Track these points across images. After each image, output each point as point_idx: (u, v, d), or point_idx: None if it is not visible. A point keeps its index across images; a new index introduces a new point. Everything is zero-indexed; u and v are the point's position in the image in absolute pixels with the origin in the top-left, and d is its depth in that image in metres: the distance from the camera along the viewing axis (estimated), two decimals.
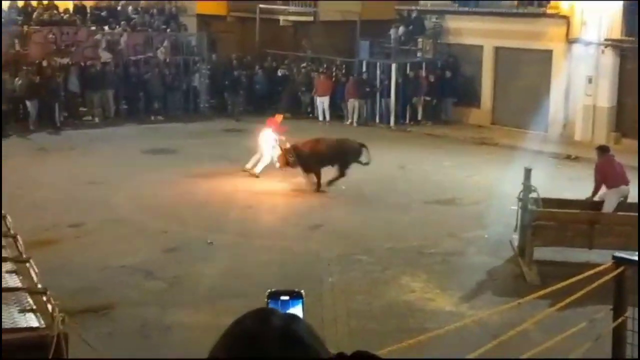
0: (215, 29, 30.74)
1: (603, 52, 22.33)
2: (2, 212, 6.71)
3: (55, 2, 27.02)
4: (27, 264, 5.53)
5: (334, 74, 27.24)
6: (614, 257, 7.64)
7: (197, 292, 11.02)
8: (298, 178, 17.19)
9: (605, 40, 22.20)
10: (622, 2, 21.69)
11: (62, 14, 26.57)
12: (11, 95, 23.15)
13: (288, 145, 17.13)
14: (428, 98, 25.97)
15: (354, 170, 18.62)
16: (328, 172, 16.88)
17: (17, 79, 23.38)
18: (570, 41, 23.21)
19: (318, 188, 16.81)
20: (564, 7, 23.30)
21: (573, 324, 8.19)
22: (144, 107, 25.88)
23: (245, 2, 30.65)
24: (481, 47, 25.71)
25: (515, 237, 12.90)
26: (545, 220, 12.18)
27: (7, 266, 5.42)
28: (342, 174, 16.94)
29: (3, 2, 25.70)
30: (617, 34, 21.85)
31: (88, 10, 27.66)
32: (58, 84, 23.70)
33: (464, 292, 11.28)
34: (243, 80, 27.10)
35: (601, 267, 8.08)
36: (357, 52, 27.22)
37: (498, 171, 18.37)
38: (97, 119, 24.78)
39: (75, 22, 26.26)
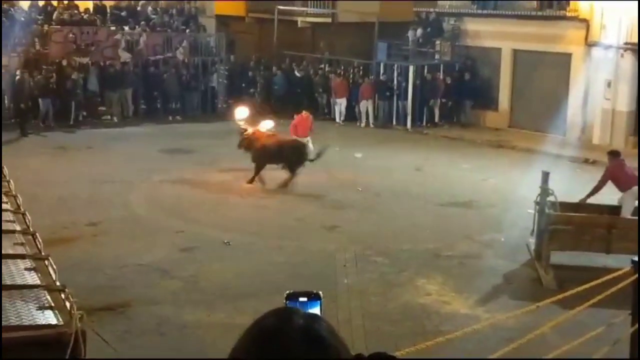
0: (234, 29, 30.82)
1: (622, 55, 22.19)
2: (22, 209, 6.77)
3: (76, 1, 27.24)
4: (46, 262, 5.57)
5: (351, 75, 27.24)
6: (633, 262, 7.61)
7: (213, 291, 11.05)
8: (313, 179, 17.21)
9: (625, 44, 22.07)
10: None
11: (82, 14, 26.77)
12: (29, 94, 23.34)
13: (249, 131, 17.55)
14: (445, 100, 25.94)
15: (370, 171, 18.67)
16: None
17: (34, 77, 23.57)
18: (589, 44, 23.08)
19: (251, 180, 17.12)
20: (584, 10, 23.17)
21: (591, 329, 8.16)
22: (162, 107, 26.03)
23: (263, 3, 30.71)
24: (499, 49, 25.62)
25: (532, 241, 12.84)
26: (562, 224, 12.11)
27: (26, 263, 5.46)
28: (291, 174, 17.04)
29: (23, 1, 25.93)
30: (636, 37, 21.71)
31: (108, 10, 27.87)
32: (74, 83, 23.86)
33: (480, 295, 11.24)
34: (259, 81, 27.15)
35: (619, 272, 8.05)
36: (374, 54, 27.20)
37: (515, 174, 18.31)
38: (115, 119, 24.94)
39: (95, 22, 26.45)
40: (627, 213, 12.69)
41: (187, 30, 27.95)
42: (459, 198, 16.65)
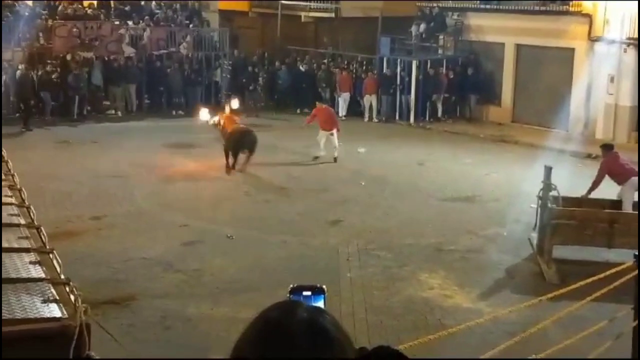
0: (237, 24, 30.84)
1: (625, 51, 22.18)
2: (26, 203, 6.80)
3: None
4: (50, 255, 5.59)
5: (354, 70, 27.26)
6: (635, 256, 7.64)
7: (216, 285, 11.09)
8: (316, 174, 17.25)
9: (628, 39, 22.05)
10: None
11: (86, 9, 26.81)
12: (33, 89, 23.42)
13: (220, 119, 18.37)
14: (448, 95, 25.94)
15: (374, 166, 18.70)
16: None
17: (37, 72, 23.64)
18: (592, 39, 23.07)
19: (226, 169, 17.59)
20: (587, 5, 23.15)
21: (593, 323, 8.19)
22: (166, 102, 26.07)
23: None
24: (502, 44, 25.61)
25: (535, 236, 12.86)
26: (565, 218, 12.13)
27: (30, 257, 5.48)
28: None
29: None
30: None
31: (112, 5, 27.88)
32: (77, 77, 23.92)
33: (482, 289, 11.27)
34: (260, 76, 27.16)
35: (621, 267, 8.08)
36: (378, 49, 27.20)
37: (518, 169, 18.33)
38: (119, 113, 25.00)
39: (99, 17, 26.48)
40: (627, 206, 12.72)
41: (191, 25, 27.97)
42: (461, 193, 16.67)
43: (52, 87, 23.83)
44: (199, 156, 19.35)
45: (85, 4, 27.11)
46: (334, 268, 11.85)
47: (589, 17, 23.09)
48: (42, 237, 5.89)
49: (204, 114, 19.63)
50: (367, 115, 25.89)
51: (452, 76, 25.98)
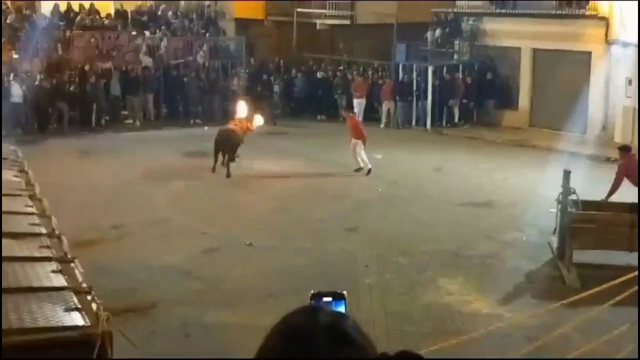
0: (253, 33, 30.94)
1: None
2: (47, 212, 6.86)
3: (97, 7, 27.45)
4: (72, 264, 5.64)
5: (370, 76, 27.29)
6: None
7: (236, 292, 11.11)
8: (332, 181, 17.26)
9: None
10: None
11: (103, 19, 26.99)
12: (50, 99, 23.63)
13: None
14: (465, 100, 25.90)
15: (390, 172, 18.69)
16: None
17: (55, 82, 23.84)
18: (609, 43, 22.95)
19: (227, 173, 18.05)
20: (603, 8, 23.05)
21: (614, 327, 8.14)
22: (184, 111, 26.19)
23: (282, 6, 30.82)
24: (519, 49, 25.53)
25: (554, 240, 12.80)
26: (584, 222, 12.06)
27: (52, 266, 5.53)
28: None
29: (45, 6, 26.20)
30: None
31: (129, 15, 28.06)
32: (95, 87, 24.10)
33: (502, 294, 11.22)
34: (279, 83, 27.24)
35: None
36: (393, 55, 27.20)
37: (536, 173, 18.25)
38: (137, 123, 25.14)
39: (116, 27, 26.68)
40: None
41: (207, 34, 28.11)
42: (479, 198, 16.63)
43: (70, 97, 24.03)
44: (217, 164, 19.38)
45: (103, 14, 27.31)
46: (353, 274, 11.84)
47: (605, 20, 22.98)
48: (64, 246, 5.95)
49: (242, 107, 19.79)
50: (384, 121, 25.89)
51: (469, 81, 25.95)
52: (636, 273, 8.23)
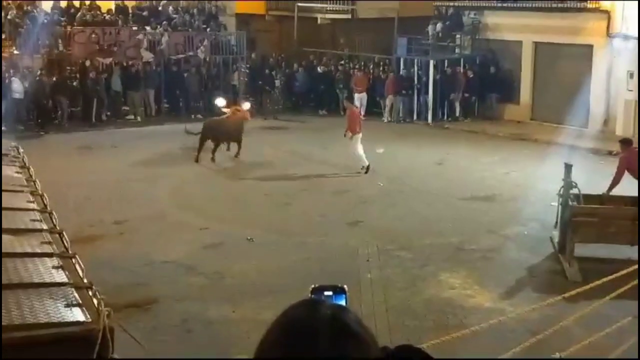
0: (254, 27, 30.94)
1: None
2: (48, 208, 6.86)
3: (98, 2, 27.44)
4: (73, 260, 5.63)
5: (371, 70, 27.27)
6: None
7: (238, 287, 11.12)
8: (334, 175, 17.25)
9: None
10: None
11: (104, 15, 26.98)
12: (51, 94, 23.65)
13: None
14: (466, 94, 25.88)
15: (392, 166, 18.69)
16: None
17: (55, 78, 23.85)
18: (611, 36, 22.93)
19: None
20: (605, 2, 23.01)
21: (616, 320, 8.15)
22: (185, 106, 26.19)
23: (283, 1, 30.79)
24: (520, 42, 25.51)
25: (556, 234, 12.80)
26: (586, 216, 12.05)
27: (53, 262, 5.52)
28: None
29: (46, 3, 26.19)
30: None
31: (130, 11, 28.05)
32: (95, 83, 24.11)
33: (504, 288, 11.22)
34: (281, 78, 27.23)
35: None
36: (394, 49, 27.18)
37: (537, 167, 18.24)
38: (139, 118, 25.17)
39: (117, 23, 26.67)
40: None
41: (208, 29, 28.09)
42: (481, 192, 16.62)
43: (71, 92, 24.03)
44: (218, 160, 19.40)
45: (104, 10, 27.29)
46: (354, 269, 11.85)
47: (607, 13, 22.95)
48: (65, 242, 5.94)
49: (220, 100, 20.60)
50: (386, 115, 25.88)
51: (471, 75, 25.92)
52: (637, 266, 8.22)
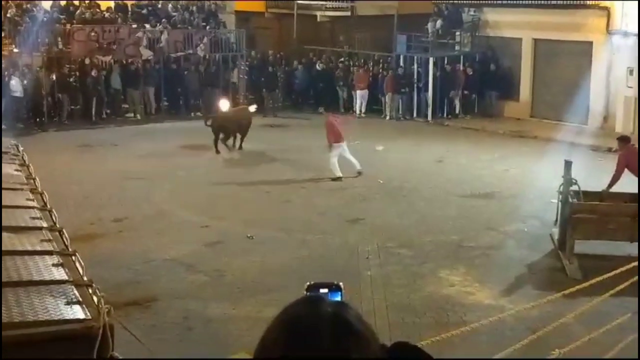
0: (254, 25, 30.92)
1: None
2: (48, 206, 6.86)
3: (97, 0, 27.42)
4: (73, 258, 5.63)
5: (371, 68, 27.26)
6: None
7: (238, 285, 11.13)
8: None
9: None
10: None
11: (103, 12, 26.96)
12: (50, 92, 23.66)
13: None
14: (466, 92, 25.87)
15: (392, 163, 18.69)
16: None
17: (55, 75, 23.85)
18: (610, 33, 22.91)
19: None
20: None
21: (615, 317, 8.15)
22: (184, 104, 26.18)
23: None
24: (520, 39, 25.50)
25: (556, 231, 12.80)
26: (586, 213, 12.06)
27: (53, 259, 5.52)
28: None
29: (45, 1, 26.17)
30: None
31: (129, 9, 28.03)
32: (94, 81, 24.10)
33: (504, 285, 11.23)
34: (279, 76, 27.23)
35: None
36: (394, 47, 27.16)
37: (537, 164, 18.24)
38: (138, 116, 25.17)
39: (116, 20, 26.64)
40: None
41: (208, 27, 28.07)
42: (481, 189, 16.63)
43: (70, 90, 24.04)
44: (218, 158, 19.42)
45: (103, 8, 27.27)
46: (354, 266, 11.86)
47: (606, 10, 22.94)
48: (64, 239, 5.95)
49: (224, 103, 20.98)
50: (387, 113, 25.87)
51: (470, 72, 25.91)
52: (636, 263, 8.23)
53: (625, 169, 13.20)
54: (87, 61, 24.58)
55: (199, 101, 26.24)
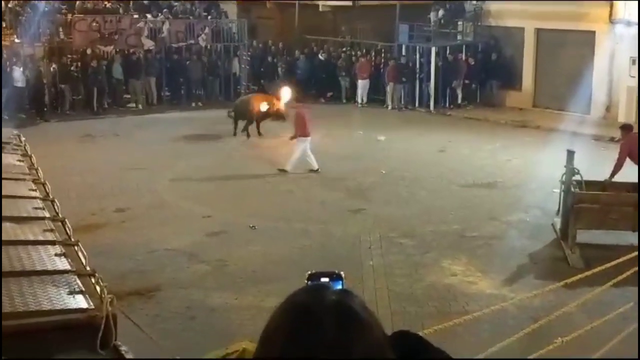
0: (256, 15, 30.85)
1: None
2: (51, 196, 6.87)
3: None
4: (76, 247, 5.64)
5: (373, 58, 27.21)
6: None
7: (240, 275, 11.15)
8: (336, 163, 17.24)
9: None
10: None
11: (105, 3, 26.93)
12: (52, 83, 23.65)
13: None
14: (468, 81, 25.81)
15: (393, 154, 18.68)
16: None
17: (57, 66, 23.83)
18: (613, 22, 22.84)
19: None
20: None
21: (617, 306, 8.16)
22: (186, 94, 26.17)
23: None
24: (522, 29, 25.42)
25: (558, 221, 12.80)
26: (588, 203, 12.06)
27: (56, 249, 5.53)
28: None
29: None
30: None
31: None
32: (96, 71, 24.09)
33: (506, 275, 11.24)
34: (282, 66, 27.17)
35: None
36: (396, 36, 27.10)
37: (539, 154, 18.23)
38: (140, 106, 25.16)
39: (118, 11, 26.61)
40: None
41: (209, 17, 28.03)
42: (483, 179, 16.62)
43: (72, 81, 24.04)
44: (220, 147, 19.43)
45: None
46: (356, 256, 11.87)
47: None
48: (67, 229, 5.95)
49: (264, 105, 20.53)
50: (389, 103, 25.83)
51: (472, 62, 25.86)
52: (637, 253, 8.23)
53: (628, 158, 13.18)
54: (88, 51, 24.57)
55: (200, 91, 26.22)
